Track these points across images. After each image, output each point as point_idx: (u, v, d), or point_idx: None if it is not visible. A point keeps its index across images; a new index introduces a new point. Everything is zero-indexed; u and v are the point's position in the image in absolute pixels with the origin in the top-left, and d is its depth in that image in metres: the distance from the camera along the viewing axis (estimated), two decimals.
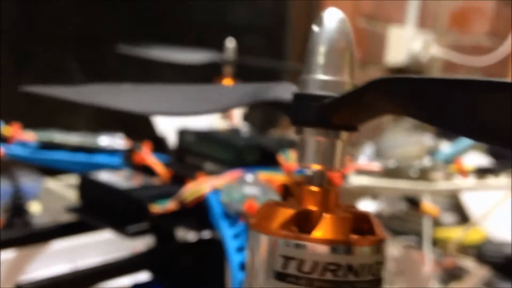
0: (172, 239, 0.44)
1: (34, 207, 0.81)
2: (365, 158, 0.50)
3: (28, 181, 0.83)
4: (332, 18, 0.16)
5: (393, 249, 0.70)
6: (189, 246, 0.45)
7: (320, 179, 0.17)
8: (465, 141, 0.71)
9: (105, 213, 0.41)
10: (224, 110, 0.19)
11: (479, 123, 0.14)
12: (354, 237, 0.16)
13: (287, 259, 0.15)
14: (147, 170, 0.46)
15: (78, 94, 0.22)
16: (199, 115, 0.18)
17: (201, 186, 0.39)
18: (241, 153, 0.45)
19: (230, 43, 0.74)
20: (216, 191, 0.38)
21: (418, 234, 0.84)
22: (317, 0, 1.21)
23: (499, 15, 1.23)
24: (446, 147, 0.72)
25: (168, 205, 0.38)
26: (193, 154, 0.48)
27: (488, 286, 0.75)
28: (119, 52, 0.82)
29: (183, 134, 0.49)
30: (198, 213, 0.39)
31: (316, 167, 0.17)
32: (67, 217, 0.45)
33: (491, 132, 0.14)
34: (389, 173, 0.47)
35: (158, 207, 0.38)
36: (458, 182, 0.46)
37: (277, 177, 0.41)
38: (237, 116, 0.73)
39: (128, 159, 0.47)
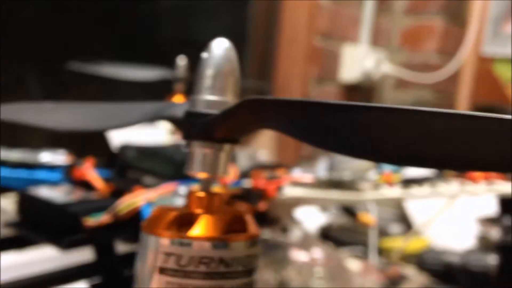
0: (111, 252, 0.45)
1: None
2: (299, 171, 0.52)
3: None
4: (219, 46, 0.19)
5: (335, 258, 0.73)
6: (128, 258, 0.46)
7: (206, 185, 0.19)
8: None
9: (42, 227, 0.42)
10: (129, 126, 0.21)
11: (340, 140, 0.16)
12: (227, 234, 0.18)
13: (168, 255, 0.17)
14: (88, 186, 0.47)
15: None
16: (104, 130, 0.20)
17: (135, 198, 0.40)
18: (179, 167, 0.46)
19: (181, 61, 0.77)
20: (150, 203, 0.40)
21: (365, 244, 0.87)
22: (276, 20, 1.25)
23: (448, 33, 1.29)
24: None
25: (102, 218, 0.40)
26: (134, 168, 0.50)
27: None
28: (71, 69, 0.83)
29: (124, 149, 0.50)
30: (134, 225, 0.41)
31: (201, 175, 0.19)
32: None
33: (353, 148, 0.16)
34: (321, 184, 0.50)
35: (92, 220, 0.40)
36: (384, 191, 0.49)
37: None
38: None
39: (69, 175, 0.48)
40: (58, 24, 0.98)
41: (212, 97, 0.18)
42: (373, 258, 0.86)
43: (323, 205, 0.65)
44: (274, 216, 0.52)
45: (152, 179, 0.47)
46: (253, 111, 0.17)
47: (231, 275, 0.18)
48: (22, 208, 0.44)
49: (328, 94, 1.35)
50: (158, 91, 0.82)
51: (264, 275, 0.63)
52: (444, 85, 1.29)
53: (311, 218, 0.91)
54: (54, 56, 0.93)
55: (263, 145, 1.30)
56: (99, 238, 0.41)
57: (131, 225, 0.41)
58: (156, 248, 0.18)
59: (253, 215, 0.50)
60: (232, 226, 0.18)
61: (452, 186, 0.52)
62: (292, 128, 0.17)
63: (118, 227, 0.41)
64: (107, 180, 0.47)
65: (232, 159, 0.51)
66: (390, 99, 1.40)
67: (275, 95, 1.31)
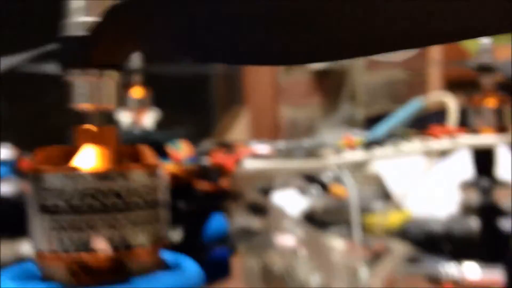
0: None
1: None
2: (257, 143, 0.51)
3: None
4: None
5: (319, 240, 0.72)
6: None
7: (92, 118, 0.17)
8: (381, 129, 0.74)
9: None
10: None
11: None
12: (117, 165, 0.16)
13: (49, 191, 0.16)
14: None
15: None
16: None
17: None
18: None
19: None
20: None
21: (349, 223, 0.86)
22: None
23: None
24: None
25: None
26: None
27: (411, 262, 0.78)
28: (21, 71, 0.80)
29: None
30: None
31: (86, 106, 0.17)
32: None
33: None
34: (281, 155, 0.49)
35: None
36: (347, 155, 0.48)
37: (165, 167, 0.42)
38: (148, 122, 0.73)
39: (15, 168, 0.46)
40: None
41: (82, 18, 0.17)
42: (357, 236, 0.85)
43: (284, 176, 0.64)
44: (237, 192, 0.51)
45: None
46: (120, 22, 0.15)
47: (126, 206, 0.16)
48: None
49: (298, 83, 1.34)
50: None
51: (247, 261, 0.61)
52: (414, 63, 1.29)
53: (291, 203, 0.89)
54: None
55: (237, 137, 1.29)
56: None
57: None
58: (37, 186, 0.16)
59: (216, 192, 0.49)
60: (123, 157, 0.17)
61: (414, 144, 0.51)
62: (175, 28, 0.15)
63: None
64: None
65: None
66: (362, 82, 1.39)
67: (246, 77, 1.29)
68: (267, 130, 1.36)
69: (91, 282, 0.16)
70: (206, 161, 0.48)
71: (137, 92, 0.74)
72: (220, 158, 0.48)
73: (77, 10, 0.17)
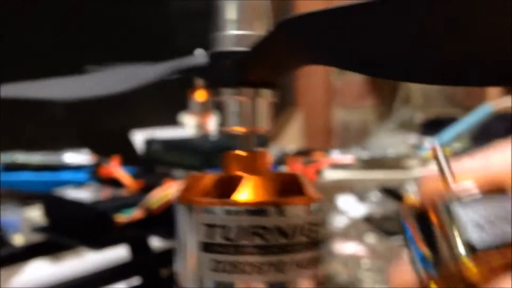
0: (147, 250, 0.42)
1: (17, 240, 0.79)
2: (337, 152, 0.49)
3: (7, 214, 0.81)
4: None
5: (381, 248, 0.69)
6: (168, 254, 0.43)
7: (245, 143, 0.16)
8: (448, 135, 0.70)
9: (72, 229, 0.40)
10: (145, 84, 0.18)
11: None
12: (281, 198, 0.14)
13: (211, 227, 0.14)
14: (116, 184, 0.45)
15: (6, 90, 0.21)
16: (118, 93, 0.17)
17: (166, 191, 0.37)
18: (208, 157, 0.44)
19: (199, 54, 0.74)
20: None
21: None
22: (289, 9, 1.21)
23: None
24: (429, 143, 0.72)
25: (134, 214, 0.37)
26: (161, 162, 0.47)
27: None
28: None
29: (150, 143, 0.48)
30: (167, 219, 0.38)
31: (238, 129, 0.16)
32: None
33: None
34: (363, 165, 0.47)
35: (124, 217, 0.37)
36: (432, 166, 0.45)
37: None
38: (212, 125, 0.72)
39: (95, 174, 0.46)
40: (74, 28, 0.96)
41: (239, 32, 0.15)
42: None
43: (366, 187, 0.61)
44: None
45: (181, 172, 0.44)
46: (293, 36, 0.13)
47: (292, 248, 0.14)
48: (49, 211, 0.42)
49: (351, 85, 1.31)
50: (179, 88, 0.79)
51: None
52: None
53: (350, 209, 0.86)
54: (70, 60, 0.92)
55: (290, 141, 1.27)
56: (133, 235, 0.39)
57: (165, 220, 0.38)
58: (194, 220, 0.14)
59: None
60: (285, 189, 0.15)
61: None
62: (350, 49, 0.13)
63: (151, 223, 0.38)
64: (135, 176, 0.45)
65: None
66: (419, 85, 1.34)
67: (299, 78, 1.27)
68: (320, 133, 1.33)
69: None
70: (284, 171, 0.46)
71: (200, 96, 0.74)
72: (299, 168, 0.46)
73: (232, 23, 0.15)
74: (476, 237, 0.14)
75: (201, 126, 0.71)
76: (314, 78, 1.28)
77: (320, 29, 0.13)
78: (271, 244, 0.14)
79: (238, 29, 0.15)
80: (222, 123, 0.16)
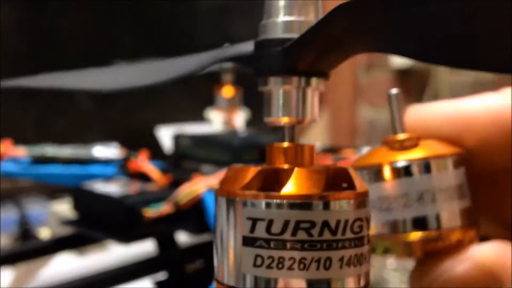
0: (174, 245, 0.42)
1: (44, 233, 0.80)
2: (367, 149, 0.47)
3: (34, 207, 0.82)
4: None
5: None
6: (194, 250, 0.43)
7: (291, 133, 0.15)
8: None
9: (100, 223, 0.39)
10: (187, 74, 0.17)
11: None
12: (328, 191, 0.14)
13: (254, 221, 0.13)
14: (144, 178, 0.45)
15: (39, 81, 0.21)
16: (159, 84, 0.16)
17: (195, 186, 0.37)
18: (237, 153, 0.43)
19: None
20: (211, 190, 0.37)
21: None
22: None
23: None
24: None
25: (162, 208, 0.37)
26: (190, 158, 0.46)
27: None
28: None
29: (178, 138, 0.47)
30: (196, 214, 0.38)
31: (285, 120, 0.15)
32: None
33: None
34: None
35: (152, 211, 0.37)
36: None
37: None
38: (239, 121, 0.72)
39: (124, 168, 0.45)
40: (101, 25, 0.97)
41: (289, 17, 0.14)
42: None
43: None
44: None
45: (210, 167, 0.44)
46: (348, 21, 0.13)
47: (338, 244, 0.13)
48: (78, 205, 0.42)
49: (378, 82, 1.29)
50: (205, 84, 0.80)
51: None
52: None
53: None
54: (97, 56, 0.93)
55: (316, 139, 1.25)
56: (161, 229, 0.38)
57: (193, 215, 0.38)
58: (236, 213, 0.14)
59: None
60: (333, 182, 0.14)
61: None
62: (414, 33, 0.12)
63: (179, 218, 0.38)
64: (163, 171, 0.45)
65: None
66: (447, 82, 1.32)
67: None
68: (345, 131, 1.32)
69: None
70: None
71: (227, 92, 0.73)
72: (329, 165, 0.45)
73: (282, 9, 0.14)
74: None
75: (227, 122, 0.71)
76: (340, 75, 1.26)
77: (377, 13, 0.12)
78: (316, 239, 0.13)
79: (287, 15, 0.14)
80: (267, 114, 0.15)
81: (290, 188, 0.14)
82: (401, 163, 0.18)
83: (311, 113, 0.15)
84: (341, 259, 0.14)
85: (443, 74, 1.33)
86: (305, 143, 0.15)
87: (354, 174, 0.15)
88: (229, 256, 0.14)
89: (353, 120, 1.32)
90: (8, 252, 0.41)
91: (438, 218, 0.17)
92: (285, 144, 0.15)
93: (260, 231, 0.13)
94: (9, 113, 0.86)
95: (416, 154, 0.18)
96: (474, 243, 0.17)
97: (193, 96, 1.01)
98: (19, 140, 0.47)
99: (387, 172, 0.18)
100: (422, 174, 0.17)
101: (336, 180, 0.14)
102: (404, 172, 0.17)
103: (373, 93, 1.30)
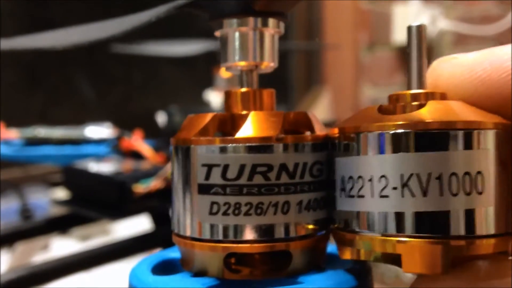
0: (168, 220, 0.42)
1: None
2: None
3: (36, 196, 0.82)
4: None
5: None
6: None
7: (250, 78, 0.14)
8: None
9: (92, 201, 0.39)
10: (142, 24, 0.17)
11: None
12: (285, 134, 0.13)
13: (209, 167, 0.13)
14: (137, 157, 0.44)
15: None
16: (118, 34, 0.16)
17: None
18: None
19: None
20: None
21: None
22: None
23: None
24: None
25: (152, 184, 0.36)
26: None
27: None
28: (114, 52, 0.82)
29: (171, 114, 0.47)
30: None
31: (242, 64, 0.14)
32: None
33: None
34: None
35: (142, 187, 0.36)
36: None
37: None
38: None
39: (116, 147, 0.45)
40: (98, 8, 0.96)
41: None
42: None
43: None
44: None
45: None
46: None
47: (297, 187, 0.13)
48: (69, 184, 0.41)
49: (382, 60, 1.28)
50: (203, 64, 0.79)
51: None
52: (507, 36, 1.18)
53: None
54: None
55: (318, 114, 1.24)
56: (153, 205, 0.38)
57: None
58: (191, 160, 0.13)
59: None
60: (292, 126, 0.14)
61: None
62: None
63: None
64: (156, 149, 0.44)
65: None
66: None
67: (327, 55, 1.24)
68: (348, 110, 1.31)
69: (249, 278, 0.13)
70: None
71: (226, 72, 0.72)
72: None
73: None
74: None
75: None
76: (342, 53, 1.25)
77: None
78: (273, 183, 0.13)
79: None
80: (224, 59, 0.14)
81: (245, 131, 0.13)
82: (399, 129, 0.12)
83: (270, 57, 0.14)
84: (300, 203, 0.13)
85: (446, 50, 1.31)
86: (265, 89, 0.14)
87: (314, 119, 0.14)
88: (185, 206, 0.14)
89: (355, 100, 1.30)
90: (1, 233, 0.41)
91: (465, 218, 0.12)
92: (243, 89, 0.14)
93: (216, 178, 0.13)
94: (10, 101, 0.86)
95: (429, 118, 0.12)
96: (510, 257, 0.13)
97: (194, 80, 1.00)
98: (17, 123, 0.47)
99: (368, 141, 0.12)
100: (437, 149, 0.12)
101: (296, 124, 0.14)
102: (405, 143, 0.12)
103: (375, 72, 1.28)
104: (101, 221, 0.58)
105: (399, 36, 1.18)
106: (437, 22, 1.17)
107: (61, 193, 0.83)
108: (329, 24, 1.22)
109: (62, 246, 0.57)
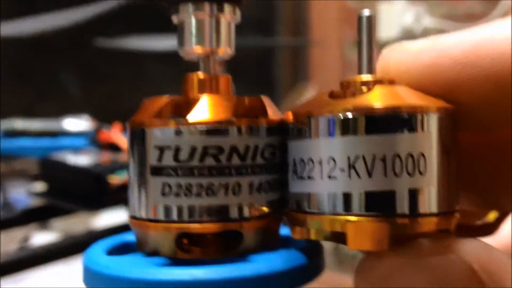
0: None
1: None
2: None
3: (17, 190, 0.82)
4: None
5: None
6: None
7: (206, 63, 0.15)
8: None
9: (69, 192, 0.39)
10: (106, 12, 0.17)
11: None
12: (237, 117, 0.13)
13: (162, 149, 0.13)
14: (115, 149, 0.44)
15: None
16: (77, 22, 0.16)
17: None
18: None
19: None
20: None
21: None
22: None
23: None
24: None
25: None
26: None
27: None
28: (100, 47, 0.81)
29: None
30: None
31: (198, 49, 0.15)
32: None
33: None
34: None
35: (118, 178, 0.36)
36: None
37: None
38: None
39: (94, 140, 0.45)
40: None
41: None
42: None
43: None
44: None
45: None
46: None
47: (248, 169, 0.13)
48: (47, 176, 0.41)
49: None
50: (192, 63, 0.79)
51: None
52: None
53: None
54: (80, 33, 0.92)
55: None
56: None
57: None
58: (145, 143, 0.13)
59: None
60: (245, 110, 0.14)
61: None
62: None
63: None
64: None
65: None
66: None
67: (312, 52, 1.25)
68: None
69: (200, 257, 0.14)
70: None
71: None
72: None
73: None
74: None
75: None
76: (328, 50, 1.26)
77: None
78: (224, 165, 0.13)
79: None
80: (180, 44, 0.15)
81: (198, 114, 0.13)
82: (348, 113, 0.12)
83: (226, 43, 0.15)
84: (251, 185, 0.13)
85: None
86: (222, 74, 0.15)
87: (268, 103, 0.14)
88: (139, 188, 0.14)
89: None
90: None
91: (409, 197, 0.12)
92: (200, 74, 0.15)
93: (168, 160, 0.13)
94: None
95: (375, 102, 0.12)
96: (452, 235, 0.13)
97: (180, 75, 1.00)
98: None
99: (318, 124, 0.13)
100: (382, 132, 0.12)
101: (249, 109, 0.14)
102: (353, 126, 0.12)
103: None
104: (82, 214, 0.58)
105: (384, 33, 1.19)
106: (421, 19, 1.18)
107: (40, 186, 0.82)
108: (314, 21, 1.23)
109: (42, 240, 0.57)
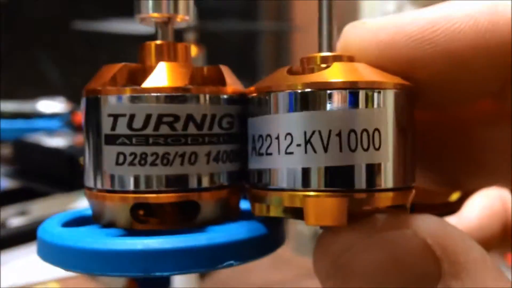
0: None
1: None
2: None
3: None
4: None
5: None
6: None
7: (164, 31, 0.14)
8: None
9: (42, 174, 0.39)
10: None
11: None
12: (194, 85, 0.13)
13: (115, 117, 0.13)
14: None
15: None
16: None
17: None
18: None
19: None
20: None
21: None
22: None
23: None
24: None
25: None
26: None
27: None
28: (78, 30, 0.80)
29: None
30: None
31: (155, 15, 0.14)
32: None
33: None
34: None
35: None
36: None
37: None
38: None
39: (69, 122, 0.44)
40: None
41: None
42: None
43: None
44: None
45: None
46: None
47: (205, 138, 0.13)
48: (20, 158, 0.41)
49: None
50: None
51: (298, 225, 0.59)
52: None
53: None
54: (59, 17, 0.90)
55: None
56: None
57: None
58: (99, 111, 0.13)
59: None
60: (203, 79, 0.14)
61: None
62: None
63: None
64: None
65: None
66: None
67: (295, 37, 1.24)
68: None
69: (158, 228, 0.14)
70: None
71: (192, 51, 0.72)
72: None
73: None
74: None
75: None
76: (311, 35, 1.25)
77: None
78: (180, 133, 0.13)
79: None
80: (137, 11, 0.14)
81: (152, 81, 0.13)
82: (305, 88, 0.12)
83: (184, 10, 0.14)
84: (208, 154, 0.13)
85: None
86: (179, 43, 0.14)
87: (227, 73, 0.14)
88: (94, 158, 0.13)
89: None
90: None
91: (366, 172, 0.12)
92: (157, 41, 0.14)
93: (122, 128, 0.13)
94: None
95: (333, 78, 0.12)
96: (407, 211, 0.13)
97: None
98: None
99: (276, 100, 0.12)
100: (339, 107, 0.12)
101: (209, 79, 0.14)
102: (309, 102, 0.12)
103: None
104: (59, 197, 0.57)
105: (368, 18, 1.19)
106: (404, 9, 1.18)
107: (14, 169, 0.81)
108: (297, 6, 1.22)
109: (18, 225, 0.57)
